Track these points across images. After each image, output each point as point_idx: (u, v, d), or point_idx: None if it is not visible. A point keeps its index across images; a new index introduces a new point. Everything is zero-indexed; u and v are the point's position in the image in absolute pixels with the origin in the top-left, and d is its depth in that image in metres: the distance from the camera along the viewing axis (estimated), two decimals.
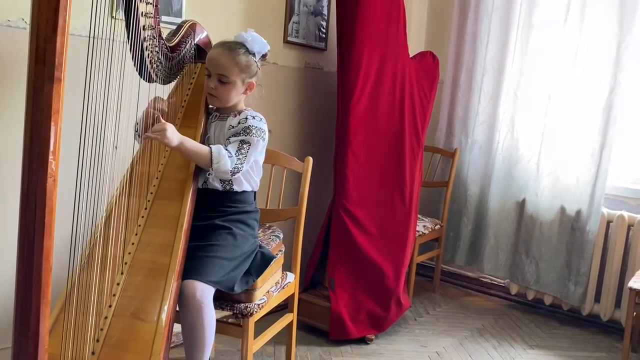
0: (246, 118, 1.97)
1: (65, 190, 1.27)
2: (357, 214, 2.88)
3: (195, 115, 2.03)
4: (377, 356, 2.74)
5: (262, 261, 2.02)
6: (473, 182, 3.62)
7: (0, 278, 2.02)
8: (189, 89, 2.14)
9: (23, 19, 1.99)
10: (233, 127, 1.97)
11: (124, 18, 1.58)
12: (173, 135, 1.77)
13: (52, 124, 1.05)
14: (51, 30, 1.02)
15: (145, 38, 1.66)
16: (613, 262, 3.14)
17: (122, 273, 1.66)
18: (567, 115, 3.24)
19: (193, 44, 2.08)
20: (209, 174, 1.93)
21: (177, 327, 1.83)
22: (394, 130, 3.03)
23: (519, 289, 3.52)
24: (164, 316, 1.57)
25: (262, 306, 2.03)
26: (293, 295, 2.35)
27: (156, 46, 1.74)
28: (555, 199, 3.29)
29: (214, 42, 2.13)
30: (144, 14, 1.61)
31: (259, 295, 2.01)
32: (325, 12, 3.26)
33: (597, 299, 3.22)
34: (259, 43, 1.98)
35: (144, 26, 1.64)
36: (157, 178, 1.91)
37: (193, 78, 2.17)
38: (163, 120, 1.78)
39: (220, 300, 1.93)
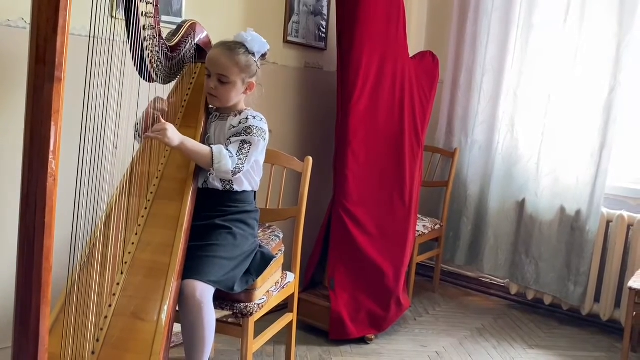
0: (247, 118, 1.97)
1: (65, 190, 1.27)
2: (357, 213, 2.88)
3: (196, 115, 2.03)
4: (377, 356, 2.74)
5: (262, 261, 2.02)
6: (473, 182, 3.62)
7: (0, 277, 2.02)
8: (189, 88, 2.14)
9: (23, 19, 2.00)
10: (234, 127, 1.97)
11: (124, 18, 1.58)
12: (174, 135, 1.77)
13: (53, 123, 1.05)
14: (51, 30, 1.03)
15: (145, 38, 1.66)
16: (613, 262, 3.14)
17: (122, 273, 1.66)
18: (566, 115, 3.24)
19: (193, 43, 2.08)
20: (209, 174, 1.93)
21: (177, 327, 1.83)
22: (393, 130, 3.03)
23: (519, 289, 3.52)
24: (164, 316, 1.57)
25: (262, 306, 2.03)
26: (293, 295, 2.35)
27: (156, 46, 1.74)
28: (555, 199, 3.30)
29: (214, 42, 2.13)
30: (144, 13, 1.61)
31: (259, 295, 2.02)
32: (325, 11, 3.26)
33: (597, 298, 3.22)
34: (258, 43, 1.98)
35: (144, 26, 1.64)
36: (157, 178, 1.91)
37: (193, 78, 2.17)
38: (163, 120, 1.78)
39: (220, 300, 1.93)
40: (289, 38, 3.06)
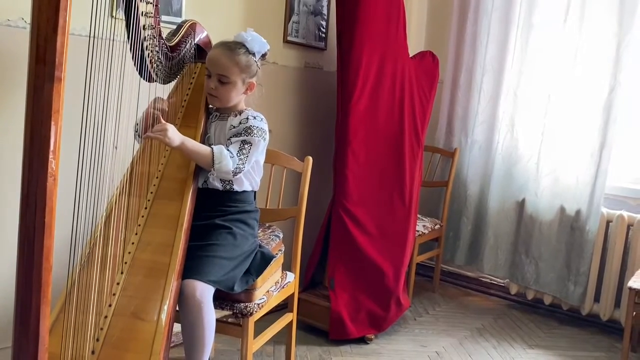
0: (247, 118, 1.97)
1: (65, 190, 1.27)
2: (357, 213, 2.88)
3: (195, 115, 2.03)
4: (376, 356, 2.74)
5: (262, 261, 2.02)
6: (473, 182, 3.62)
7: (0, 277, 2.02)
8: (189, 88, 2.14)
9: (23, 19, 2.00)
10: (234, 127, 1.97)
11: (124, 18, 1.58)
12: (174, 135, 1.77)
13: (53, 123, 1.05)
14: (51, 30, 1.03)
15: (145, 38, 1.66)
16: (612, 262, 3.14)
17: (122, 272, 1.66)
18: (566, 115, 3.24)
19: (193, 43, 2.08)
20: (210, 174, 1.93)
21: (177, 327, 1.83)
22: (393, 130, 3.03)
23: (519, 289, 3.52)
24: (163, 316, 1.57)
25: (262, 306, 2.03)
26: (293, 294, 2.35)
27: (156, 46, 1.74)
28: (554, 199, 3.30)
29: (214, 42, 2.13)
30: (144, 13, 1.61)
31: (259, 295, 2.02)
32: (325, 11, 3.26)
33: (597, 298, 3.22)
34: (258, 43, 1.98)
35: (144, 26, 1.64)
36: (157, 178, 1.91)
37: (193, 78, 2.17)
38: (163, 121, 1.79)
39: (220, 299, 1.93)
40: (288, 38, 3.06)
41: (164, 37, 1.82)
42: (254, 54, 1.97)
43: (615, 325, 3.17)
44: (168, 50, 1.86)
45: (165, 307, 1.59)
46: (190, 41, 2.05)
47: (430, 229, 3.44)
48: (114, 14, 2.03)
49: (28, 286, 1.08)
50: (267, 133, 2.00)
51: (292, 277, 2.31)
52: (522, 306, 3.53)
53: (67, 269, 1.41)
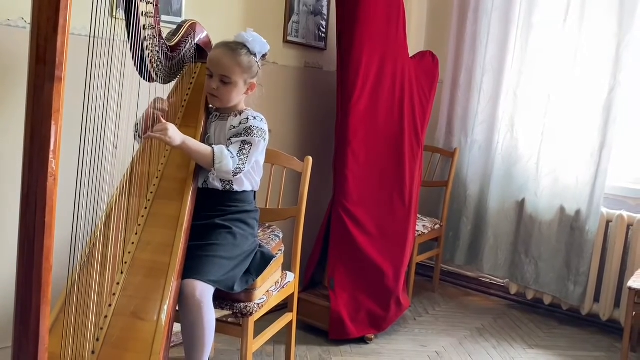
0: (247, 118, 1.97)
1: (65, 190, 1.27)
2: (357, 213, 2.88)
3: (196, 115, 2.03)
4: (376, 356, 2.74)
5: (262, 261, 2.02)
6: (472, 182, 3.62)
7: (0, 277, 2.02)
8: (189, 88, 2.14)
9: (23, 19, 2.00)
10: (234, 127, 1.97)
11: (124, 17, 1.58)
12: (175, 134, 1.77)
13: (53, 123, 1.05)
14: (52, 30, 1.03)
15: (145, 37, 1.66)
16: (612, 262, 3.14)
17: (122, 272, 1.66)
18: (566, 115, 3.24)
19: (193, 43, 2.08)
20: (210, 174, 1.93)
21: (177, 327, 1.83)
22: (393, 130, 3.03)
23: (519, 289, 3.52)
24: (163, 315, 1.57)
25: (262, 306, 2.03)
26: (293, 294, 2.35)
27: (156, 46, 1.74)
28: (554, 199, 3.30)
29: (214, 42, 2.13)
30: (144, 13, 1.61)
31: (259, 295, 2.02)
32: (325, 11, 3.26)
33: (597, 298, 3.22)
34: (259, 43, 1.99)
35: (144, 26, 1.64)
36: (157, 178, 1.91)
37: (193, 78, 2.17)
38: (164, 120, 1.79)
39: (220, 299, 1.93)
40: (288, 38, 3.06)
41: (164, 37, 1.82)
42: (255, 55, 1.98)
43: (615, 325, 3.17)
44: (168, 50, 1.86)
45: (165, 307, 1.59)
46: (190, 41, 2.05)
47: (430, 229, 3.44)
48: (114, 14, 2.03)
49: (28, 286, 1.08)
50: (267, 133, 2.01)
51: (292, 277, 2.31)
52: (522, 306, 3.53)
53: (67, 269, 1.41)
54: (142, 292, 1.62)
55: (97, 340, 1.50)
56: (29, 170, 1.06)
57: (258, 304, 2.00)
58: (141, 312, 1.57)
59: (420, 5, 3.92)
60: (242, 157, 1.91)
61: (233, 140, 1.94)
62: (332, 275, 2.86)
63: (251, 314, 1.97)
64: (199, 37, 2.12)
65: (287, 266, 2.35)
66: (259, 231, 2.23)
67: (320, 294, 2.94)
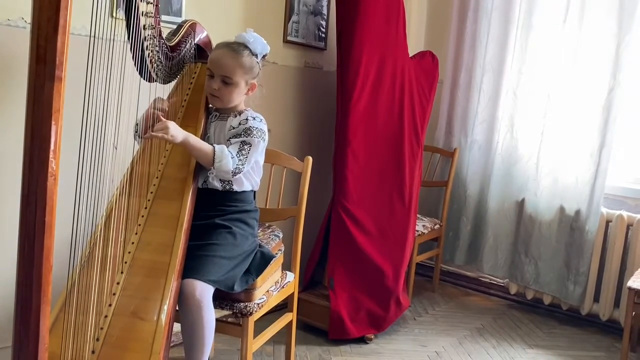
0: (247, 119, 1.98)
1: (65, 190, 1.27)
2: (357, 213, 2.89)
3: (196, 114, 2.03)
4: (376, 356, 2.75)
5: (262, 260, 2.02)
6: (472, 182, 3.62)
7: (0, 277, 2.02)
8: (189, 88, 2.14)
9: (23, 18, 2.00)
10: (234, 127, 1.97)
11: (124, 17, 1.58)
12: (177, 131, 1.78)
13: (53, 123, 1.05)
14: (52, 30, 1.03)
15: (145, 37, 1.66)
16: (612, 262, 3.15)
17: (122, 272, 1.66)
18: (566, 115, 3.25)
19: (193, 43, 2.09)
20: (210, 173, 1.93)
21: (177, 327, 1.84)
22: (393, 130, 3.03)
23: (518, 289, 3.52)
24: (163, 315, 1.57)
25: (262, 305, 2.03)
26: (292, 294, 2.35)
27: (156, 46, 1.74)
28: (554, 199, 3.30)
29: (214, 42, 2.14)
30: (144, 13, 1.61)
31: (259, 295, 2.02)
32: (324, 11, 3.26)
33: (596, 298, 3.22)
34: (260, 44, 2.00)
35: (144, 26, 1.64)
36: (157, 177, 1.91)
37: (193, 78, 2.17)
38: (163, 119, 1.79)
39: (220, 299, 1.93)
40: (288, 38, 3.06)
41: (164, 37, 1.82)
42: (256, 55, 1.98)
43: (614, 325, 3.17)
44: (168, 50, 1.86)
45: (165, 307, 1.59)
46: (190, 41, 2.05)
47: (429, 229, 3.44)
48: (114, 14, 2.03)
49: (28, 286, 1.08)
50: (267, 133, 2.01)
51: (291, 277, 2.31)
52: (522, 306, 3.53)
53: (67, 269, 1.41)
54: (142, 292, 1.62)
55: (97, 340, 1.50)
56: (29, 170, 1.06)
57: (258, 304, 2.00)
58: (141, 312, 1.57)
59: (420, 5, 3.92)
60: (241, 157, 1.91)
61: (232, 140, 1.94)
62: (331, 275, 2.86)
63: (251, 313, 1.97)
64: (199, 37, 2.12)
65: (287, 266, 2.35)
66: (259, 231, 2.23)
67: (320, 293, 2.94)
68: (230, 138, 1.96)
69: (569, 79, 3.23)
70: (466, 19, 3.59)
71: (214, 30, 2.26)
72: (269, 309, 2.13)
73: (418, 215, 3.34)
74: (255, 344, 2.06)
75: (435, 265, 3.70)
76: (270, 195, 2.49)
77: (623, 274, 3.12)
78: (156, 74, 1.81)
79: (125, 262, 1.68)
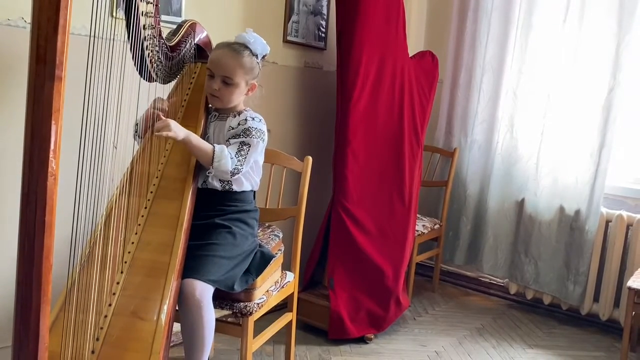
0: (246, 119, 1.98)
1: (65, 189, 1.27)
2: (357, 213, 2.89)
3: (195, 114, 2.03)
4: (376, 355, 2.75)
5: (262, 260, 2.02)
6: (472, 182, 3.62)
7: (0, 276, 2.02)
8: (189, 88, 2.14)
9: (23, 18, 2.00)
10: (233, 128, 1.98)
11: (124, 17, 1.58)
12: (177, 129, 1.79)
13: (53, 122, 1.05)
14: (52, 29, 1.03)
15: (145, 37, 1.66)
16: (612, 262, 3.15)
17: (122, 272, 1.66)
18: (566, 114, 3.25)
19: (193, 43, 2.09)
20: (208, 173, 1.93)
21: (177, 326, 1.84)
22: (393, 129, 3.03)
23: (518, 289, 3.52)
24: (163, 315, 1.57)
25: (262, 305, 2.03)
26: (292, 294, 2.35)
27: (156, 45, 1.74)
28: (554, 199, 3.30)
29: (214, 42, 2.14)
30: (144, 13, 1.62)
31: (259, 295, 2.02)
32: (324, 11, 3.27)
33: (596, 298, 3.22)
34: (260, 45, 2.00)
35: (144, 25, 1.64)
36: (157, 177, 1.91)
37: (193, 78, 2.17)
38: (164, 117, 1.79)
39: (220, 299, 1.93)
40: (288, 38, 3.06)
41: (164, 37, 1.82)
42: (256, 56, 1.98)
43: (614, 325, 3.17)
44: (168, 50, 1.86)
45: (165, 307, 1.59)
46: (190, 41, 2.05)
47: (429, 229, 3.45)
48: (114, 14, 2.03)
49: (28, 285, 1.09)
50: (266, 133, 2.01)
51: (291, 277, 2.32)
52: (522, 306, 3.53)
53: (67, 268, 1.41)
54: (142, 292, 1.62)
55: (97, 339, 1.50)
56: (29, 169, 1.07)
57: (258, 304, 2.00)
58: (141, 312, 1.57)
59: (420, 5, 3.92)
60: (240, 158, 1.91)
61: (231, 141, 1.94)
62: (331, 275, 2.86)
63: (251, 313, 1.97)
64: (199, 37, 2.12)
65: (286, 266, 2.35)
66: (259, 231, 2.23)
67: (320, 293, 2.94)
68: (229, 138, 1.96)
69: (569, 78, 3.23)
70: (466, 19, 3.59)
71: (213, 30, 2.26)
72: (269, 308, 2.14)
73: (418, 215, 3.34)
74: (255, 343, 2.06)
75: (435, 265, 3.70)
76: (270, 195, 2.49)
77: (623, 273, 3.12)
78: (156, 73, 1.81)
79: (125, 262, 1.69)
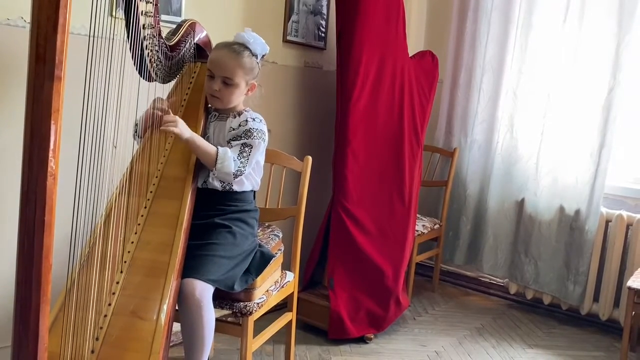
0: (246, 120, 1.98)
1: (65, 189, 1.27)
2: (357, 213, 2.88)
3: (195, 114, 2.03)
4: (376, 355, 2.75)
5: (262, 260, 2.02)
6: (472, 182, 3.62)
7: (0, 276, 2.02)
8: (189, 88, 2.14)
9: (22, 18, 2.00)
10: (234, 129, 1.97)
11: (123, 17, 1.58)
12: (184, 128, 1.80)
13: (52, 122, 1.05)
14: (52, 29, 1.03)
15: (145, 37, 1.66)
16: (612, 262, 3.15)
17: (121, 272, 1.66)
18: (566, 114, 3.25)
19: (193, 43, 2.08)
20: (211, 173, 1.93)
21: (177, 326, 1.83)
22: (393, 129, 3.03)
23: (518, 289, 3.52)
24: (163, 315, 1.57)
25: (262, 305, 2.03)
26: (292, 294, 2.35)
27: (156, 45, 1.74)
28: (554, 199, 3.30)
29: (213, 41, 2.13)
30: (143, 12, 1.61)
31: (258, 294, 2.02)
32: (324, 11, 3.26)
33: (596, 298, 3.22)
34: (260, 44, 2.00)
35: (143, 25, 1.64)
36: (156, 177, 1.91)
37: (193, 77, 2.17)
38: (172, 114, 1.80)
39: (220, 299, 1.93)
40: (288, 37, 3.06)
41: (163, 37, 1.82)
42: (256, 56, 1.98)
43: (614, 324, 3.17)
44: (168, 50, 1.86)
45: (165, 307, 1.58)
46: (189, 41, 2.05)
47: (429, 229, 3.44)
48: (113, 13, 2.03)
49: (28, 285, 1.08)
50: (266, 133, 2.01)
51: (291, 277, 2.31)
52: (522, 306, 3.53)
53: (66, 268, 1.41)
54: (141, 292, 1.62)
55: (97, 339, 1.50)
56: (29, 169, 1.07)
57: (258, 304, 2.00)
58: (141, 312, 1.57)
59: (420, 5, 3.92)
60: (242, 159, 1.92)
61: (233, 143, 1.94)
62: (331, 275, 2.86)
63: (251, 313, 1.97)
64: (199, 36, 2.12)
65: (286, 266, 2.35)
66: (259, 231, 2.23)
67: (320, 293, 2.94)
68: (230, 140, 1.96)
69: (569, 78, 3.23)
70: (466, 19, 3.59)
71: (213, 29, 2.26)
72: (269, 308, 2.14)
73: (418, 215, 3.34)
74: (255, 343, 2.06)
75: (435, 265, 3.70)
76: (270, 195, 2.49)
77: (623, 273, 3.12)
78: (155, 73, 1.81)
79: (125, 261, 1.68)
